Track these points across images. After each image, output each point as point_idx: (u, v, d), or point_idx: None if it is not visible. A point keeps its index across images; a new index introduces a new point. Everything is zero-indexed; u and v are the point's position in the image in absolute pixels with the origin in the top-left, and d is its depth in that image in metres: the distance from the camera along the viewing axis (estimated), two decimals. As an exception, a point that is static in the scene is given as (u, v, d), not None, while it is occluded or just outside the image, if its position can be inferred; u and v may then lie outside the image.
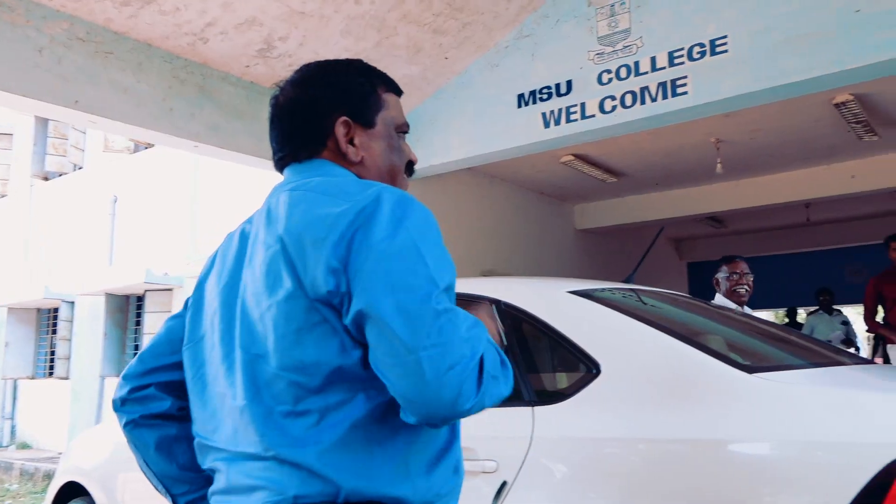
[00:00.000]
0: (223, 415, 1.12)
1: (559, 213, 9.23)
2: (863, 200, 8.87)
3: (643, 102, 5.09)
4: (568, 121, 5.44)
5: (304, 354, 1.03)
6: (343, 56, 6.00)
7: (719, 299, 4.04)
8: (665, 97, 5.01)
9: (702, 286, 13.40)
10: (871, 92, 5.61)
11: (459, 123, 6.06)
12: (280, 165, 1.27)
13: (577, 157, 7.15)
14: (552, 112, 5.51)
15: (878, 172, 7.56)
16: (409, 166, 1.29)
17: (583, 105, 5.39)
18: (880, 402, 1.47)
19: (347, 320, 1.02)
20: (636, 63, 5.16)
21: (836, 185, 7.84)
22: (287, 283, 1.04)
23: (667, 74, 5.01)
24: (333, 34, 5.16)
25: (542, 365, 1.95)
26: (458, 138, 6.06)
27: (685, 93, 4.92)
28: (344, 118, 1.20)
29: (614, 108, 5.23)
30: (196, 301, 1.26)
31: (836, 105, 5.77)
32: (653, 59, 5.08)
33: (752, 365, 1.69)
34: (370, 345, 1.00)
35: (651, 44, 5.10)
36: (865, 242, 10.79)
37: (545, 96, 5.57)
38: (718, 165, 6.81)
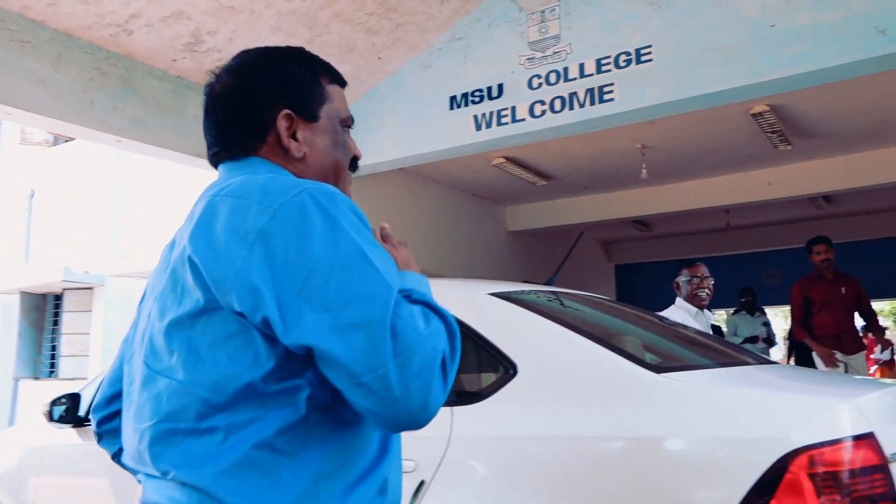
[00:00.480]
0: (129, 429, 1.05)
1: (491, 215, 9.33)
2: (779, 206, 9.29)
3: (572, 108, 5.21)
4: (499, 124, 5.52)
5: (213, 369, 0.95)
6: (273, 53, 5.91)
7: (679, 303, 4.02)
8: (593, 103, 5.14)
9: (629, 287, 13.81)
10: (786, 103, 5.88)
11: (392, 123, 6.06)
12: (215, 161, 1.17)
13: (508, 159, 7.25)
14: (483, 115, 5.58)
15: (793, 180, 7.93)
16: (354, 162, 1.19)
17: (513, 109, 5.47)
18: (775, 399, 1.56)
19: (290, 346, 0.93)
20: (565, 69, 5.27)
21: (753, 192, 8.19)
22: (196, 295, 0.96)
23: (594, 81, 5.13)
24: (264, 30, 5.08)
25: (463, 366, 1.97)
26: (391, 138, 6.06)
27: (612, 99, 5.06)
28: (286, 111, 1.10)
29: (544, 112, 5.33)
30: (139, 312, 1.17)
31: (754, 115, 6.03)
32: (581, 66, 5.20)
33: (661, 365, 1.76)
34: (320, 364, 0.92)
35: (580, 50, 5.22)
36: (781, 247, 11.31)
37: (477, 99, 5.64)
38: (643, 171, 7.02)
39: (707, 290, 3.95)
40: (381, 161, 6.14)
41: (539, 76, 5.37)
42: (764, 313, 9.28)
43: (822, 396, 1.57)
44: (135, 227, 9.23)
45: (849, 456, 1.33)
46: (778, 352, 10.14)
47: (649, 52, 4.93)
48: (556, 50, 5.32)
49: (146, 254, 8.62)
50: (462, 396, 1.86)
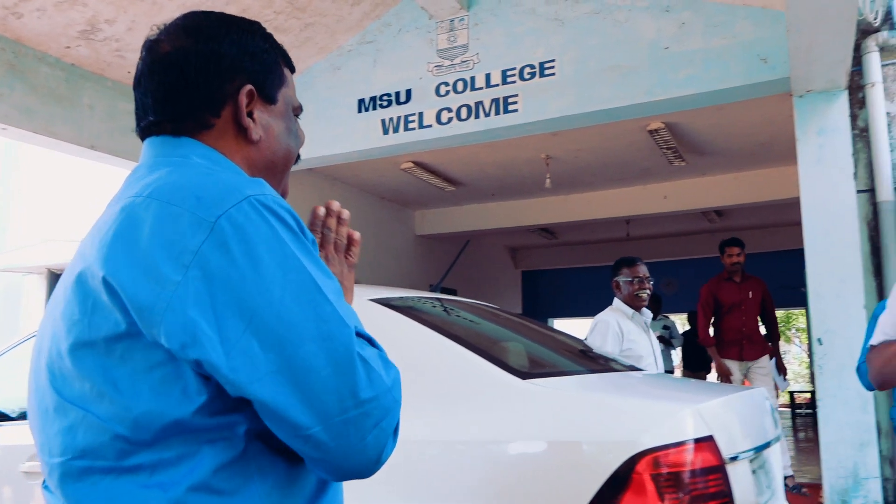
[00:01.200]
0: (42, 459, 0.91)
1: (400, 219, 9.37)
2: (675, 219, 9.74)
3: (477, 116, 5.32)
4: (406, 129, 5.56)
5: (134, 403, 0.80)
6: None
7: (616, 304, 3.82)
8: (498, 113, 5.26)
9: (535, 293, 14.15)
10: (680, 122, 6.19)
11: (301, 124, 5.99)
12: (145, 133, 0.99)
13: (416, 164, 7.31)
14: (391, 119, 5.61)
15: (687, 194, 8.34)
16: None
17: (420, 115, 5.53)
18: (626, 405, 1.66)
19: (231, 390, 0.80)
20: (472, 78, 5.37)
21: (650, 204, 8.56)
22: (116, 317, 0.81)
23: (500, 91, 5.26)
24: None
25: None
26: (298, 139, 6.00)
27: (516, 110, 5.19)
28: (249, 86, 0.97)
29: (450, 119, 5.42)
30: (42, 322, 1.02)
31: (650, 131, 6.31)
32: (488, 76, 5.32)
33: (528, 371, 1.84)
34: (261, 413, 0.80)
35: (487, 61, 5.34)
36: (678, 258, 11.86)
37: (385, 103, 5.66)
38: (547, 180, 7.22)
39: (648, 291, 3.83)
40: (287, 161, 6.07)
41: (447, 84, 5.46)
42: (666, 317, 9.64)
43: (668, 402, 1.68)
44: (20, 220, 8.77)
45: (690, 458, 1.44)
46: (677, 355, 10.56)
47: (552, 67, 5.10)
48: (464, 59, 5.42)
49: (35, 247, 8.19)
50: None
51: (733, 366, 5.85)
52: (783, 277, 10.01)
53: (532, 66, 5.17)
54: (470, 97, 5.35)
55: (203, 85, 0.95)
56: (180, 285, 0.78)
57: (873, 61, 4.33)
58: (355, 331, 0.83)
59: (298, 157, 1.09)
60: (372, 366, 0.82)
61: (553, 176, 7.37)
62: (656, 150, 6.88)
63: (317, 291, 0.81)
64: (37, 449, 0.90)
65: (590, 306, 14.51)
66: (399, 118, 5.59)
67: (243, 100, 0.97)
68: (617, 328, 3.52)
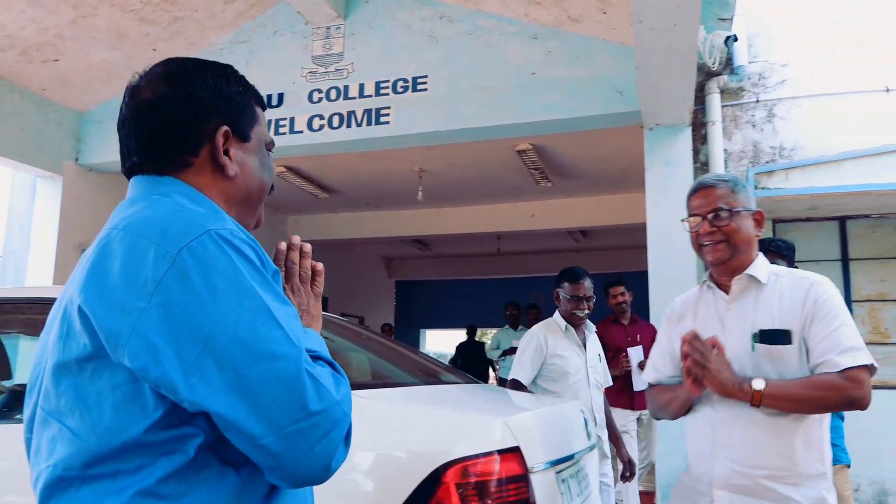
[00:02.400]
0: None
1: (272, 224, 9.18)
2: (543, 237, 10.13)
3: (349, 125, 5.33)
4: (277, 133, 5.48)
5: (99, 419, 0.89)
6: (32, 27, 5.35)
7: (556, 316, 3.57)
8: (369, 123, 5.30)
9: (408, 303, 14.26)
10: (546, 144, 6.45)
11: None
12: (130, 172, 1.07)
13: (289, 169, 7.21)
14: (262, 122, 5.51)
15: (554, 214, 8.70)
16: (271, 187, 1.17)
17: (292, 120, 5.48)
18: (440, 416, 1.73)
19: (189, 407, 0.87)
20: (346, 87, 5.38)
21: (519, 222, 8.86)
22: (84, 341, 0.90)
23: (373, 102, 5.30)
24: (20, 1, 4.65)
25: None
26: (162, 135, 5.78)
27: (387, 122, 5.25)
28: (225, 127, 1.05)
29: (322, 126, 5.40)
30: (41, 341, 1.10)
31: (519, 152, 6.54)
32: (361, 86, 5.34)
33: (356, 383, 1.86)
34: (220, 426, 0.88)
35: (361, 71, 5.36)
36: (546, 274, 12.31)
37: (256, 105, 5.56)
38: (420, 193, 7.32)
39: (586, 310, 3.51)
40: (149, 157, 5.83)
41: (320, 91, 5.44)
42: (528, 327, 9.84)
43: (479, 414, 1.76)
44: None
45: (496, 467, 1.52)
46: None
47: (425, 82, 5.19)
48: (339, 67, 5.42)
49: None
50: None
51: (627, 416, 4.84)
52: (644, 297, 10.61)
53: (405, 80, 5.25)
54: (343, 106, 5.36)
55: (182, 128, 1.03)
56: (144, 312, 0.86)
57: (714, 102, 4.72)
58: (307, 350, 0.92)
59: (272, 188, 1.17)
60: (321, 381, 0.90)
61: (426, 189, 7.48)
62: (524, 170, 7.14)
63: (268, 316, 0.89)
64: (29, 452, 0.99)
65: (461, 317, 14.79)
66: (270, 122, 5.50)
67: (220, 140, 1.05)
68: (540, 343, 3.40)
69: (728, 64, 4.78)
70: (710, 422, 1.82)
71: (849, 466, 2.69)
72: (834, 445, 2.57)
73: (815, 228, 4.80)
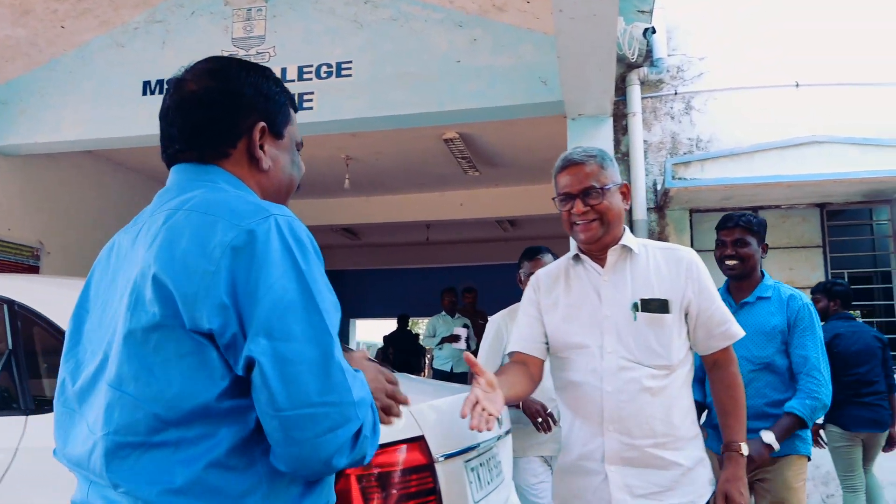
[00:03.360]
0: (80, 436, 1.03)
1: (194, 210, 8.91)
2: (472, 226, 10.15)
3: (271, 111, 5.18)
4: (195, 117, 5.29)
5: (167, 386, 0.95)
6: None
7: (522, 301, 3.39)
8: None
9: (339, 293, 14.01)
10: (473, 133, 6.45)
11: (75, 101, 5.51)
12: (171, 159, 1.16)
13: (210, 154, 6.98)
14: (179, 105, 5.31)
15: (482, 203, 8.73)
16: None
17: (211, 103, 5.30)
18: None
19: (238, 366, 0.95)
20: (267, 71, 5.24)
21: (448, 211, 8.86)
22: (154, 309, 0.95)
23: (296, 87, 5.17)
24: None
25: (49, 371, 1.85)
26: (73, 117, 5.50)
27: (311, 108, 5.13)
28: (262, 123, 1.15)
29: (242, 111, 5.24)
30: (78, 313, 1.15)
31: (445, 140, 6.52)
32: (283, 70, 5.21)
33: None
34: (254, 388, 0.95)
35: (283, 55, 5.23)
36: (476, 263, 12.37)
37: (173, 88, 5.35)
38: (346, 181, 7.22)
39: None
40: (58, 140, 5.55)
41: (240, 74, 5.27)
42: (464, 313, 9.71)
43: (383, 403, 1.73)
44: None
45: (400, 458, 1.49)
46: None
47: (349, 68, 5.10)
48: (260, 50, 5.27)
49: None
50: (43, 404, 1.74)
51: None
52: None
53: (329, 66, 5.14)
54: (264, 90, 5.21)
55: (223, 120, 1.13)
56: (213, 274, 0.94)
57: (635, 93, 4.80)
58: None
59: (299, 185, 1.26)
60: (346, 377, 0.97)
61: (353, 177, 7.38)
62: (452, 159, 7.13)
63: (313, 301, 0.97)
64: (72, 430, 1.03)
65: (392, 307, 14.69)
66: (188, 105, 5.31)
67: (257, 135, 1.15)
68: (500, 329, 3.26)
69: (648, 56, 4.88)
70: (598, 398, 1.83)
71: (809, 458, 2.66)
72: (795, 436, 2.59)
73: (730, 218, 4.94)
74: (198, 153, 1.13)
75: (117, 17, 5.41)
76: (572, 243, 2.04)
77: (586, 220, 1.83)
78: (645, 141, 4.84)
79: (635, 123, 4.79)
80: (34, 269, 6.33)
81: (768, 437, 2.49)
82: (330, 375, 0.95)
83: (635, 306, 1.83)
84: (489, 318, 3.51)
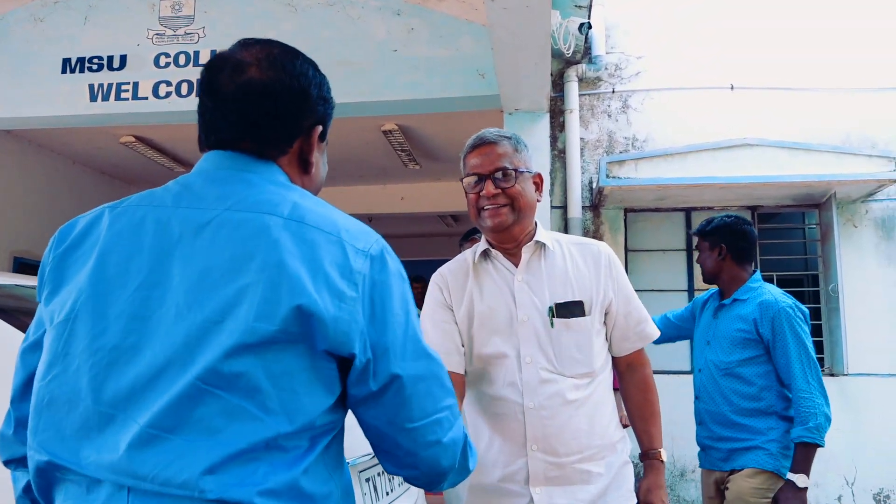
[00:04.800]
0: (112, 439, 0.92)
1: (122, 197, 8.56)
2: (414, 220, 10.03)
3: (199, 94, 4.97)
4: (118, 98, 5.05)
5: (289, 398, 0.94)
6: None
7: None
8: (221, 93, 4.97)
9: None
10: (412, 125, 6.33)
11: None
12: (220, 145, 1.08)
13: (138, 139, 6.68)
14: (101, 85, 5.06)
15: (423, 197, 8.62)
16: None
17: (136, 84, 5.06)
18: None
19: (374, 384, 0.99)
20: (196, 53, 5.03)
21: (389, 205, 8.72)
22: (285, 325, 0.93)
23: (226, 71, 4.97)
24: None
25: None
26: (-15, 94, 5.19)
27: (241, 93, 4.94)
28: (319, 127, 1.13)
29: (169, 93, 5.02)
30: (59, 278, 1.03)
31: (385, 132, 6.38)
32: (213, 53, 4.97)
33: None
34: (381, 405, 1.01)
35: (213, 37, 5.02)
36: (419, 258, 12.25)
37: (95, 67, 5.09)
38: (283, 170, 7.02)
39: None
40: (-33, 118, 5.23)
41: (167, 55, 5.05)
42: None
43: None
44: None
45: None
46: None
47: (282, 53, 4.92)
48: (189, 31, 5.06)
49: None
50: None
51: None
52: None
53: (261, 50, 4.96)
54: (192, 73, 5.00)
55: (290, 118, 1.08)
56: (355, 301, 0.97)
57: (573, 90, 4.76)
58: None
59: None
60: (450, 398, 1.06)
61: (290, 167, 7.18)
62: (391, 152, 6.99)
63: (418, 323, 1.05)
64: (109, 429, 0.93)
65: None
66: (110, 85, 5.06)
67: (315, 138, 1.12)
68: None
69: (587, 53, 4.83)
70: (519, 415, 1.69)
71: (780, 476, 2.50)
72: (757, 447, 2.51)
73: (664, 219, 4.95)
74: (257, 146, 1.08)
75: (35, -11, 5.11)
76: None
77: (496, 204, 1.69)
78: (582, 139, 4.80)
79: (572, 120, 4.74)
80: (-57, 255, 5.97)
81: (801, 480, 2.37)
82: (445, 383, 1.05)
83: (550, 311, 1.70)
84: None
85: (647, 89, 4.79)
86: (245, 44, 1.11)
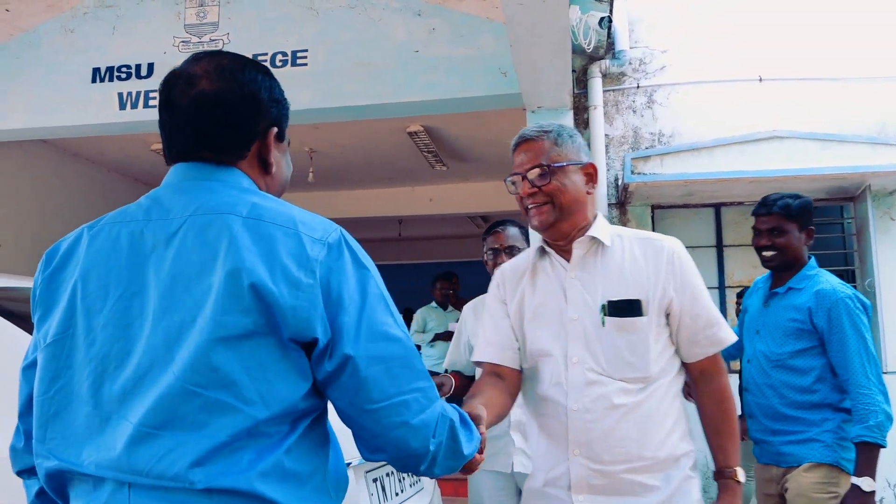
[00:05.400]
0: (110, 440, 1.00)
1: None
2: (445, 222, 10.03)
3: (224, 100, 5.02)
4: (146, 106, 5.12)
5: (267, 388, 0.99)
6: None
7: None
8: (246, 98, 5.01)
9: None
10: (438, 126, 6.32)
11: (22, 88, 5.32)
12: (180, 156, 1.15)
13: (169, 146, 6.80)
14: (130, 94, 5.14)
15: (452, 198, 8.60)
16: None
17: (163, 92, 5.13)
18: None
19: (327, 368, 1.02)
20: (221, 59, 5.07)
21: (418, 206, 8.73)
22: (251, 318, 0.98)
23: (250, 76, 5.01)
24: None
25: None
26: (20, 104, 5.31)
27: (265, 97, 4.97)
28: (275, 129, 1.17)
29: (195, 100, 5.08)
30: (49, 300, 1.10)
31: (410, 133, 6.38)
32: (237, 59, 5.05)
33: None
34: (341, 386, 1.03)
35: (238, 43, 5.06)
36: (451, 259, 12.23)
37: (123, 75, 5.18)
38: (310, 174, 7.07)
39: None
40: (4, 129, 5.35)
41: (193, 62, 5.11)
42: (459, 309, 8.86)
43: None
44: None
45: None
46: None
47: (305, 57, 4.95)
48: (214, 38, 5.11)
49: None
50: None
51: None
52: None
53: (284, 54, 4.99)
54: (217, 79, 5.04)
55: (243, 125, 1.13)
56: (312, 287, 1.00)
57: (596, 86, 4.69)
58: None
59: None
60: (420, 380, 1.08)
61: (318, 171, 7.22)
62: (418, 153, 6.99)
63: (384, 302, 1.07)
64: (108, 430, 1.00)
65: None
66: (139, 93, 5.14)
67: (271, 140, 1.17)
68: (462, 322, 2.92)
69: (610, 48, 4.76)
70: (562, 417, 1.62)
71: (843, 470, 2.35)
72: (814, 440, 2.36)
73: (693, 215, 4.85)
74: (214, 154, 1.13)
75: (65, 1, 5.22)
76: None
77: (536, 203, 1.63)
78: (606, 135, 4.73)
79: (596, 117, 4.67)
80: (-18, 263, 6.13)
81: (866, 483, 2.21)
82: (414, 366, 1.06)
83: (603, 309, 1.61)
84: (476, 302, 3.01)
85: (673, 83, 4.71)
86: (196, 58, 1.17)
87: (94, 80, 5.21)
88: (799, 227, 2.49)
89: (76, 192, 7.13)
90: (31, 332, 1.62)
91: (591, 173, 1.68)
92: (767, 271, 2.67)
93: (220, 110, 1.12)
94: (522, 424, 2.52)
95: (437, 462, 1.09)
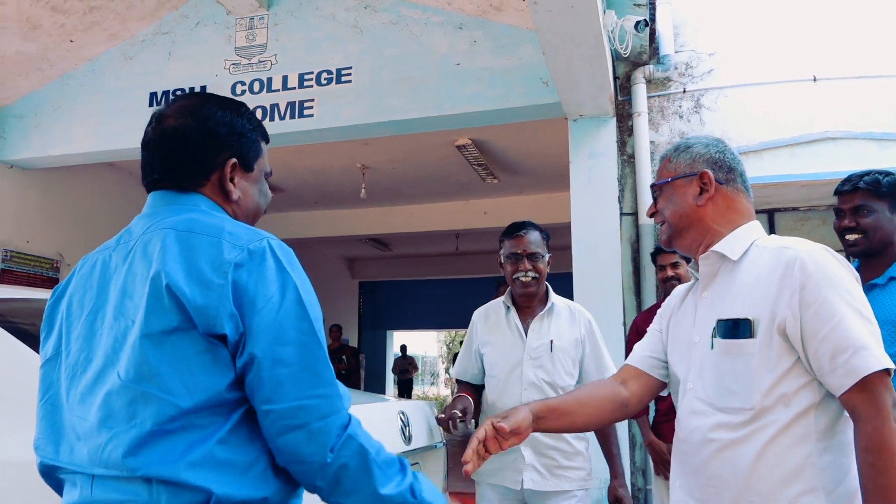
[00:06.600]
0: (76, 437, 1.12)
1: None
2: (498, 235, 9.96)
3: (272, 119, 5.16)
4: (199, 127, 5.30)
5: (190, 379, 1.07)
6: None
7: (507, 294, 2.73)
8: (293, 116, 5.13)
9: (372, 303, 14.06)
10: (486, 139, 6.31)
11: (85, 114, 5.59)
12: (152, 186, 1.28)
13: (226, 165, 7.02)
14: (184, 116, 5.33)
15: (505, 211, 8.54)
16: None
17: (215, 113, 5.30)
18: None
19: (239, 365, 1.09)
20: (269, 79, 5.22)
21: (473, 220, 8.72)
22: (171, 316, 1.07)
23: (296, 95, 5.14)
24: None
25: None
26: (83, 130, 5.59)
27: (311, 115, 5.09)
28: (233, 159, 1.26)
29: (245, 120, 5.22)
30: (49, 325, 1.26)
31: (459, 147, 6.39)
32: (285, 78, 5.18)
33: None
34: (248, 385, 1.09)
35: (284, 63, 5.20)
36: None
37: (178, 98, 5.38)
38: (363, 190, 7.16)
39: (529, 272, 2.59)
40: (69, 153, 5.64)
41: (243, 83, 5.27)
42: None
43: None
44: None
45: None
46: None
47: (349, 74, 5.04)
48: (262, 59, 5.26)
49: None
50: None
51: None
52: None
53: (329, 72, 5.09)
54: (266, 98, 5.19)
55: (199, 156, 1.25)
56: (223, 287, 1.08)
57: (640, 92, 4.59)
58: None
59: (265, 210, 1.39)
60: (334, 376, 1.13)
61: (370, 186, 7.32)
62: (468, 167, 7.00)
63: (303, 311, 1.12)
64: (73, 430, 1.12)
65: (427, 319, 14.47)
66: (192, 115, 5.32)
67: (228, 170, 1.26)
68: (472, 329, 2.78)
69: (654, 53, 4.66)
70: (675, 443, 1.54)
71: None
72: None
73: (746, 222, 4.66)
74: (176, 183, 1.25)
75: (125, 30, 5.47)
76: None
77: (657, 222, 1.61)
78: (652, 142, 4.61)
79: (641, 124, 4.56)
80: (54, 281, 6.44)
81: None
82: (319, 373, 1.10)
83: (714, 331, 1.45)
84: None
85: (721, 87, 4.56)
86: (174, 100, 1.31)
87: (150, 104, 5.43)
88: (890, 208, 2.17)
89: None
90: (27, 342, 1.71)
91: (705, 183, 1.53)
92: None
93: (180, 144, 1.24)
94: (536, 440, 2.47)
95: (340, 486, 1.10)
